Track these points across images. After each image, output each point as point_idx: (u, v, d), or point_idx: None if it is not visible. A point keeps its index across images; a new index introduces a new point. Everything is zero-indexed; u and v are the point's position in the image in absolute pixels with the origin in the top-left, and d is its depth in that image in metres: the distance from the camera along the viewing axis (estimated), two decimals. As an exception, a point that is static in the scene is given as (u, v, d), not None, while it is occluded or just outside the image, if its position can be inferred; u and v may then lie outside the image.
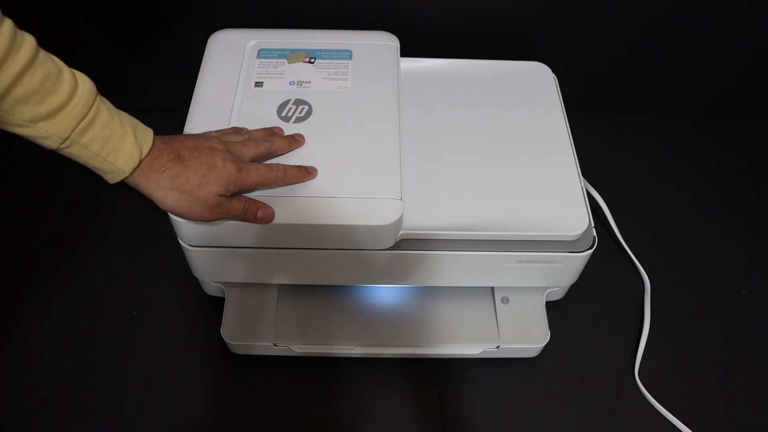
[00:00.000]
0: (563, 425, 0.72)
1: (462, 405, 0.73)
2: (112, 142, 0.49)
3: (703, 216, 0.91)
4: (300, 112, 0.67)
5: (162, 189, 0.53)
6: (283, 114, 0.67)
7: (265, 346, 0.71)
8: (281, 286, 0.74)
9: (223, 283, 0.73)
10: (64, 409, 0.71)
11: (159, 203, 0.54)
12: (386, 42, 0.75)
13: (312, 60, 0.72)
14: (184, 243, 0.65)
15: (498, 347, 0.72)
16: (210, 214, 0.56)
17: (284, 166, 0.61)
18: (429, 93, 0.77)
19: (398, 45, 0.75)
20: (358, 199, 0.61)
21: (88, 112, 0.48)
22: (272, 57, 0.72)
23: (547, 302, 0.75)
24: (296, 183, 0.61)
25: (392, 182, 0.62)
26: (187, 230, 0.62)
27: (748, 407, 0.74)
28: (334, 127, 0.66)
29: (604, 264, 0.84)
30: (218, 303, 0.74)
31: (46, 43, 0.48)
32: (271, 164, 0.61)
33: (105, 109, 0.49)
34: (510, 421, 0.72)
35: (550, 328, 0.73)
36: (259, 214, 0.59)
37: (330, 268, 0.67)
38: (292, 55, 0.73)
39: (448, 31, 0.89)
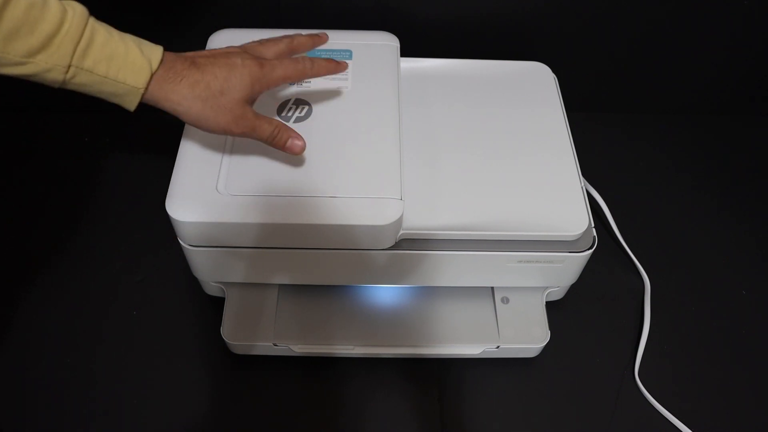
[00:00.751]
0: (563, 425, 0.72)
1: (462, 405, 0.73)
2: (116, 59, 0.48)
3: (703, 216, 0.91)
4: (300, 112, 0.67)
5: (184, 99, 0.50)
6: (283, 114, 0.67)
7: (265, 346, 0.71)
8: (281, 286, 0.74)
9: (223, 283, 0.73)
10: (63, 408, 0.71)
11: (184, 116, 0.52)
12: (386, 42, 0.75)
13: (312, 60, 0.72)
14: (184, 243, 0.64)
15: (498, 347, 0.72)
16: (236, 127, 0.53)
17: (311, 58, 0.57)
18: (429, 93, 0.77)
19: (398, 45, 0.75)
20: (358, 199, 0.61)
21: (83, 33, 0.46)
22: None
23: (547, 302, 0.75)
24: (326, 75, 0.58)
25: (392, 182, 0.62)
26: (187, 230, 0.62)
27: (748, 407, 0.74)
28: (334, 127, 0.66)
29: (604, 264, 0.84)
30: (218, 303, 0.74)
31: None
32: (297, 57, 0.57)
33: (101, 28, 0.48)
34: (510, 421, 0.72)
35: (550, 328, 0.73)
36: (289, 142, 0.56)
37: (330, 268, 0.67)
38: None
39: (448, 31, 0.89)
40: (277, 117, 0.67)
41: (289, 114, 0.67)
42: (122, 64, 0.48)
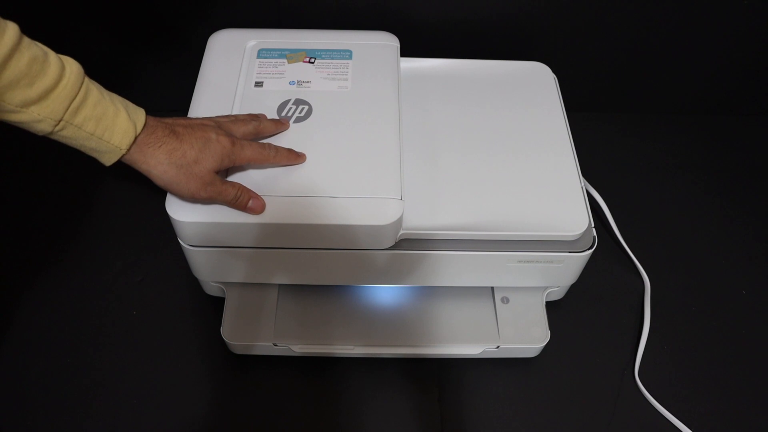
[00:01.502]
0: (563, 425, 0.72)
1: (462, 405, 0.73)
2: (105, 120, 0.50)
3: (703, 216, 0.91)
4: (300, 112, 0.67)
5: (160, 164, 0.54)
6: (283, 114, 0.67)
7: (265, 346, 0.71)
8: (281, 286, 0.74)
9: (223, 283, 0.73)
10: (63, 408, 0.71)
11: (157, 179, 0.55)
12: (386, 42, 0.75)
13: (312, 60, 0.72)
14: (184, 243, 0.64)
15: (498, 347, 0.72)
16: (204, 192, 0.56)
17: (275, 146, 0.62)
18: (429, 93, 0.77)
19: (398, 45, 0.75)
20: (358, 199, 0.61)
21: (78, 92, 0.48)
22: (272, 57, 0.72)
23: (547, 302, 0.75)
24: (286, 165, 0.62)
25: (392, 182, 0.62)
26: (187, 230, 0.62)
27: (748, 407, 0.74)
28: (334, 127, 0.66)
29: (604, 264, 0.84)
30: (218, 303, 0.74)
31: (45, 43, 0.48)
32: (263, 142, 0.62)
33: (95, 88, 0.50)
34: (510, 421, 0.72)
35: (550, 328, 0.73)
36: (251, 203, 0.59)
37: (330, 268, 0.67)
38: (292, 55, 0.73)
39: (448, 31, 0.89)
40: (277, 117, 0.67)
41: (289, 114, 0.67)
42: (110, 125, 0.50)
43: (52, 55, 0.47)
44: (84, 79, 0.49)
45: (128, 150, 0.52)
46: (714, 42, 0.92)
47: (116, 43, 0.91)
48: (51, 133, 0.49)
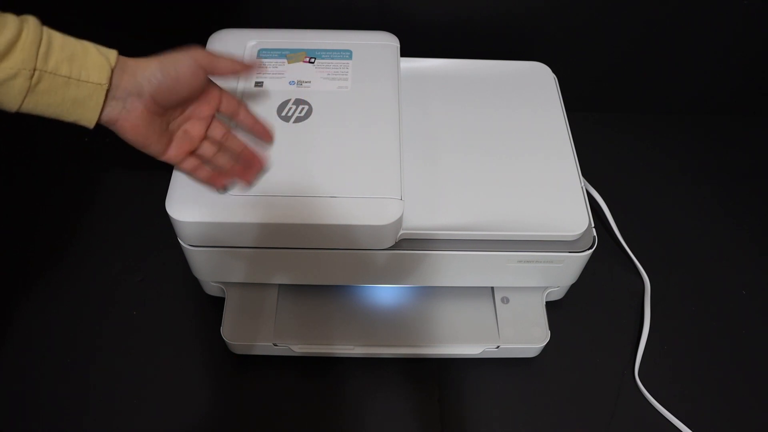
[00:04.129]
0: (563, 425, 0.72)
1: (462, 405, 0.73)
2: (77, 59, 0.50)
3: (703, 216, 0.91)
4: (300, 112, 0.67)
5: (151, 75, 0.54)
6: (283, 114, 0.67)
7: (265, 346, 0.71)
8: (281, 286, 0.74)
9: (223, 283, 0.73)
10: (63, 408, 0.71)
11: (153, 83, 0.54)
12: (386, 42, 0.75)
13: (312, 60, 0.72)
14: (184, 243, 0.65)
15: (498, 347, 0.72)
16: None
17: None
18: (429, 93, 0.77)
19: (398, 45, 0.75)
20: (358, 199, 0.61)
21: (41, 37, 0.48)
22: (272, 57, 0.72)
23: (547, 302, 0.75)
24: (251, 128, 0.63)
25: (392, 182, 0.62)
26: (187, 230, 0.62)
27: (748, 407, 0.74)
28: (334, 127, 0.66)
29: (604, 264, 0.84)
30: (218, 303, 0.74)
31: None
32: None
33: (56, 32, 0.50)
34: (510, 421, 0.72)
35: (550, 328, 0.73)
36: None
37: (330, 268, 0.67)
38: (292, 55, 0.73)
39: (448, 31, 0.89)
40: (277, 117, 0.67)
41: (289, 114, 0.67)
42: (83, 63, 0.50)
43: (7, 13, 0.47)
44: (42, 26, 0.49)
45: (110, 84, 0.51)
46: (714, 42, 0.92)
47: (116, 43, 0.91)
48: (29, 91, 0.48)
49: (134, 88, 0.53)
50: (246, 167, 0.62)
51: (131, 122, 0.54)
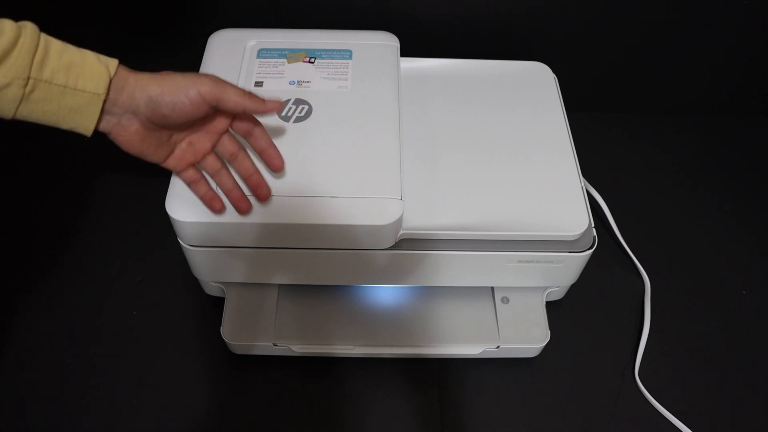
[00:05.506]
0: (563, 425, 0.72)
1: (462, 405, 0.73)
2: (74, 68, 0.48)
3: (703, 216, 0.91)
4: (300, 112, 0.67)
5: (154, 85, 0.52)
6: (283, 114, 0.67)
7: (265, 346, 0.71)
8: (281, 286, 0.74)
9: (223, 283, 0.73)
10: (63, 408, 0.71)
11: (159, 98, 0.52)
12: (386, 42, 0.75)
13: (312, 60, 0.72)
14: (184, 243, 0.65)
15: (498, 347, 0.72)
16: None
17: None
18: (429, 93, 0.77)
19: (398, 45, 0.75)
20: (358, 199, 0.61)
21: (38, 45, 0.47)
22: (272, 57, 0.72)
23: (547, 302, 0.75)
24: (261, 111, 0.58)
25: (392, 182, 0.62)
26: (187, 230, 0.62)
27: (748, 407, 0.74)
28: (334, 127, 0.66)
29: (604, 264, 0.84)
30: (218, 303, 0.74)
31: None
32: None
33: (55, 40, 0.48)
34: (510, 421, 0.72)
35: (550, 328, 0.73)
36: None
37: (330, 268, 0.67)
38: (292, 55, 0.73)
39: (448, 31, 0.89)
40: (277, 117, 0.67)
41: (289, 114, 0.67)
42: (81, 71, 0.49)
43: (5, 19, 0.46)
44: (40, 33, 0.47)
45: (107, 95, 0.50)
46: (714, 42, 0.92)
47: (116, 43, 0.91)
48: (22, 99, 0.47)
49: (130, 107, 0.52)
50: (240, 199, 0.59)
51: (126, 137, 0.53)
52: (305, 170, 0.63)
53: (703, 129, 1.01)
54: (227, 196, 0.60)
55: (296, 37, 0.75)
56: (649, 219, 0.90)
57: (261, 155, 0.61)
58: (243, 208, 0.59)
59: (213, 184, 0.60)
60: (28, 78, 0.46)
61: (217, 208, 0.59)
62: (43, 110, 0.48)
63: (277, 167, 0.60)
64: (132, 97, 0.51)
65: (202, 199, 0.59)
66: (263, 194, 0.60)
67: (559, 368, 0.76)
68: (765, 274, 0.85)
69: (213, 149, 0.60)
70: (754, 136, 1.01)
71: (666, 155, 0.98)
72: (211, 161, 0.59)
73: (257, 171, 0.60)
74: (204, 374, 0.74)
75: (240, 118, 0.59)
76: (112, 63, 0.51)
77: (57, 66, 0.48)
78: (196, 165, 0.59)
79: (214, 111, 0.57)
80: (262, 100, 0.56)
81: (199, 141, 0.58)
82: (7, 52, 0.45)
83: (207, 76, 0.54)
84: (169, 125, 0.55)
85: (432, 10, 0.87)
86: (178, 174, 0.60)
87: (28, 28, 0.47)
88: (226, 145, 0.60)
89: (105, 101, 0.50)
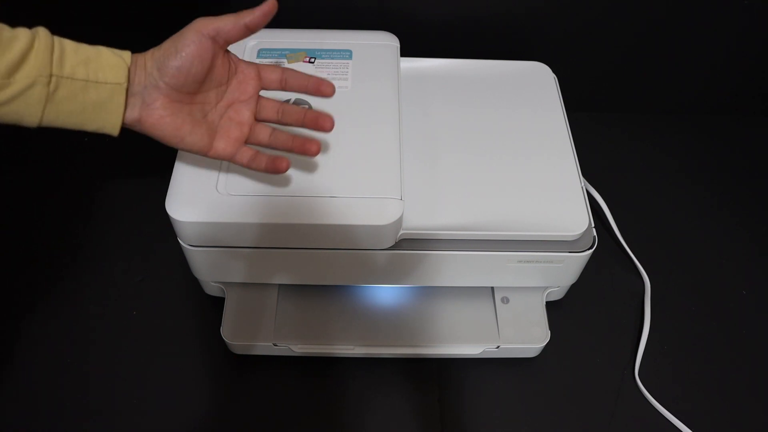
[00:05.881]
0: (563, 425, 0.72)
1: (462, 405, 0.73)
2: (92, 61, 0.49)
3: (703, 216, 0.91)
4: (300, 112, 0.67)
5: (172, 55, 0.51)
6: (283, 114, 0.67)
7: (265, 346, 0.71)
8: (281, 286, 0.74)
9: (223, 283, 0.73)
10: (62, 408, 0.71)
11: (177, 69, 0.51)
12: (386, 42, 0.75)
13: (312, 60, 0.72)
14: (184, 243, 0.64)
15: (498, 347, 0.72)
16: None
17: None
18: (429, 93, 0.77)
19: (398, 45, 0.75)
20: (358, 199, 0.61)
21: (53, 44, 0.47)
22: (272, 57, 0.72)
23: (547, 302, 0.75)
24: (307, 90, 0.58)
25: (392, 182, 0.62)
26: (187, 230, 0.62)
27: (748, 407, 0.74)
28: (333, 127, 0.66)
29: (604, 264, 0.84)
30: (218, 303, 0.74)
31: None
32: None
33: (67, 39, 0.49)
34: (510, 421, 0.72)
35: (550, 328, 0.73)
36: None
37: (330, 268, 0.67)
38: (292, 55, 0.73)
39: (448, 31, 0.89)
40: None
41: (289, 114, 0.67)
42: (99, 65, 0.49)
43: (18, 28, 0.47)
44: (51, 35, 0.48)
45: (128, 80, 0.50)
46: (714, 42, 0.92)
47: (116, 43, 0.91)
48: (48, 98, 0.47)
49: (148, 79, 0.51)
50: (303, 143, 0.57)
51: (156, 116, 0.52)
52: (305, 170, 0.63)
53: (703, 129, 1.01)
54: (291, 149, 0.58)
55: (296, 37, 0.75)
56: (649, 219, 0.90)
57: (306, 91, 0.58)
58: (313, 149, 0.58)
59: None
60: (51, 75, 0.47)
61: (284, 167, 0.57)
62: (68, 110, 0.49)
63: (327, 92, 0.57)
64: (144, 69, 0.51)
65: (267, 169, 0.57)
66: (327, 122, 0.57)
67: (559, 368, 0.76)
68: (765, 274, 0.85)
69: (255, 118, 0.58)
70: (754, 136, 1.01)
71: (666, 155, 0.98)
72: (259, 128, 0.58)
73: (308, 111, 0.58)
74: (204, 374, 0.74)
75: (266, 71, 0.57)
76: (126, 54, 0.51)
77: (75, 61, 0.48)
78: (246, 143, 0.57)
79: (236, 64, 0.56)
80: (255, 8, 0.55)
81: (237, 113, 0.57)
82: (26, 53, 0.46)
83: (199, 18, 0.53)
84: (191, 83, 0.53)
85: (432, 10, 0.87)
86: (234, 159, 0.57)
87: (41, 31, 0.48)
88: (266, 106, 0.58)
89: (127, 90, 0.50)
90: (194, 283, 0.76)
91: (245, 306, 0.72)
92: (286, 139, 0.58)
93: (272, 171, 0.57)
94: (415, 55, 0.79)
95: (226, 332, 0.71)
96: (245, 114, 0.57)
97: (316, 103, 0.68)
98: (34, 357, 0.74)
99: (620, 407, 0.73)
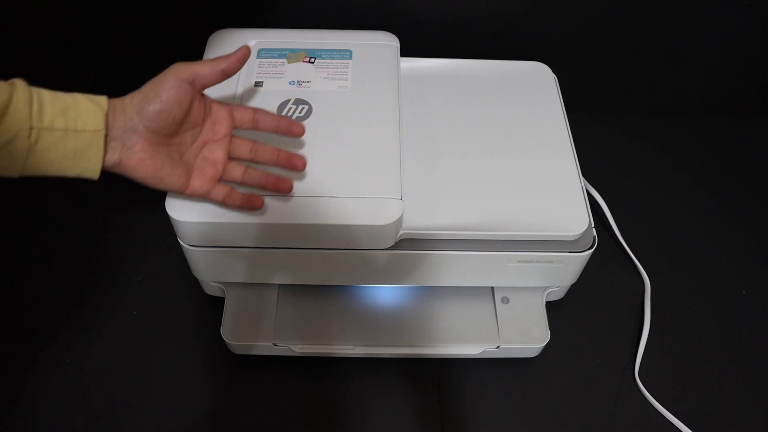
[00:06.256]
0: (563, 425, 0.72)
1: (462, 405, 0.73)
2: (69, 111, 0.49)
3: (703, 216, 0.91)
4: (300, 112, 0.67)
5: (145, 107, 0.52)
6: (283, 114, 0.67)
7: (265, 346, 0.71)
8: (281, 286, 0.74)
9: (223, 283, 0.73)
10: (62, 409, 0.71)
11: (156, 114, 0.52)
12: (386, 42, 0.75)
13: (312, 60, 0.72)
14: (184, 243, 0.65)
15: (498, 347, 0.72)
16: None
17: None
18: (429, 93, 0.77)
19: (398, 45, 0.75)
20: (358, 199, 0.61)
21: (32, 96, 0.48)
22: (272, 57, 0.72)
23: (547, 302, 0.75)
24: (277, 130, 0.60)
25: (392, 182, 0.62)
26: (187, 230, 0.62)
27: (748, 407, 0.74)
28: (334, 127, 0.66)
29: (604, 264, 0.84)
30: (218, 303, 0.74)
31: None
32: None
33: (43, 89, 0.49)
34: (510, 421, 0.72)
35: (550, 328, 0.73)
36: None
37: (330, 268, 0.67)
38: (292, 55, 0.73)
39: (448, 31, 0.89)
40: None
41: (289, 114, 0.67)
42: (77, 113, 0.49)
43: None
44: (30, 86, 0.49)
45: (107, 127, 0.50)
46: (714, 42, 0.92)
47: (116, 43, 0.91)
48: (29, 149, 0.48)
49: (127, 123, 0.52)
50: (276, 181, 0.59)
51: (136, 158, 0.53)
52: (305, 170, 0.63)
53: (703, 129, 1.01)
54: (264, 187, 0.60)
55: (296, 37, 0.75)
56: (649, 219, 0.90)
57: (278, 131, 0.60)
58: (286, 188, 0.60)
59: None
60: (31, 128, 0.47)
61: (258, 204, 0.59)
62: (49, 159, 0.49)
63: (297, 133, 0.60)
64: (123, 113, 0.52)
65: (242, 206, 0.59)
66: (299, 163, 0.60)
67: (559, 368, 0.76)
68: (765, 274, 0.85)
69: (228, 156, 0.59)
70: (754, 136, 1.01)
71: (666, 155, 0.98)
72: (233, 166, 0.59)
73: (281, 150, 0.60)
74: (204, 374, 0.74)
75: (239, 112, 0.59)
76: (102, 99, 0.52)
77: (54, 112, 0.49)
78: (220, 181, 0.59)
79: (209, 105, 0.58)
80: (231, 55, 0.57)
81: (211, 152, 0.58)
82: (5, 108, 0.46)
83: (177, 63, 0.55)
84: (169, 126, 0.54)
85: (432, 10, 0.87)
86: (209, 197, 0.58)
87: (18, 83, 0.48)
88: (239, 145, 0.59)
89: (105, 135, 0.51)
90: (194, 283, 0.76)
91: (245, 306, 0.72)
92: (259, 177, 0.60)
93: (248, 208, 0.59)
94: (415, 55, 0.79)
95: (226, 332, 0.71)
96: (219, 153, 0.58)
97: (318, 105, 0.68)
98: (33, 357, 0.74)
99: (620, 407, 0.73)
